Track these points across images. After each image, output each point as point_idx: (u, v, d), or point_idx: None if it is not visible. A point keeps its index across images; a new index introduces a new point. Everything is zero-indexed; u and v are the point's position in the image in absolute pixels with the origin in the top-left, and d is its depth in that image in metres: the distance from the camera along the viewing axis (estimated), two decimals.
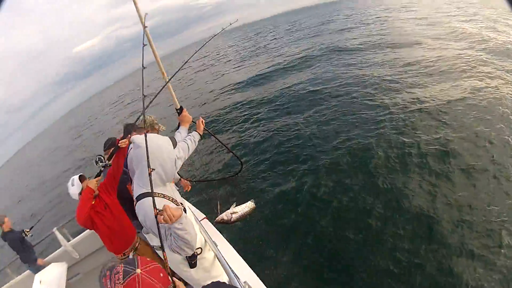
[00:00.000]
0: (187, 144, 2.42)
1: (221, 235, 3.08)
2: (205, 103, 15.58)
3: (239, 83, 16.82)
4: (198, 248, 2.28)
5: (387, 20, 25.67)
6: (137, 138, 1.96)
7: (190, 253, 1.87)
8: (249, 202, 3.17)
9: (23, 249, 4.81)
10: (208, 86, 19.46)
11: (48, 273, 3.25)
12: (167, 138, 2.10)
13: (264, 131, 9.32)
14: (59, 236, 4.57)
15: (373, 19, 28.21)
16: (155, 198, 1.69)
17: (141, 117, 2.62)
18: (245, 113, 11.56)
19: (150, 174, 1.77)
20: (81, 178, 2.90)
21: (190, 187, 3.84)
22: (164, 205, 1.66)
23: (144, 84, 2.52)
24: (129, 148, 2.45)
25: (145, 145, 1.84)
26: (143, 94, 2.39)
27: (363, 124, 7.90)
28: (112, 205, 2.80)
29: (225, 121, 11.47)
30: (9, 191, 26.93)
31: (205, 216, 3.57)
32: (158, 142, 1.97)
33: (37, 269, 4.61)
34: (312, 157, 7.03)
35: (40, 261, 4.72)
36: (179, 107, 2.87)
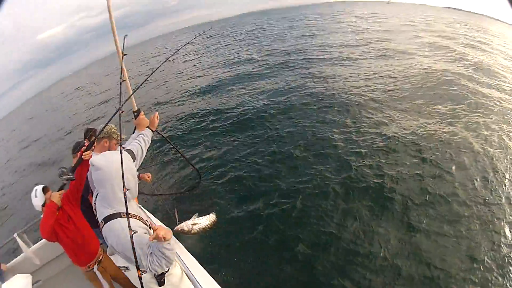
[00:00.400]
0: (140, 146, 2.35)
1: (185, 248, 2.97)
2: (163, 105, 15.15)
3: (198, 87, 16.39)
4: None
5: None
6: (96, 160, 1.88)
7: (166, 269, 1.96)
8: (211, 214, 3.12)
9: None
10: (166, 87, 19.03)
11: (13, 284, 3.19)
12: (125, 154, 1.98)
13: (223, 142, 9.20)
14: (20, 242, 4.40)
15: (341, 25, 29.19)
16: (123, 218, 1.74)
17: (102, 127, 2.82)
18: (204, 121, 11.29)
19: (125, 194, 1.77)
20: (45, 190, 2.87)
21: (150, 177, 3.80)
22: (157, 226, 1.75)
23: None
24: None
25: (105, 167, 1.83)
26: (120, 104, 2.41)
27: (320, 130, 8.68)
28: (75, 217, 2.82)
29: (182, 128, 11.18)
30: None
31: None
32: (119, 162, 1.87)
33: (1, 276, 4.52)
34: (275, 172, 7.16)
35: (3, 266, 4.55)
36: (136, 109, 2.79)
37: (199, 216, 3.05)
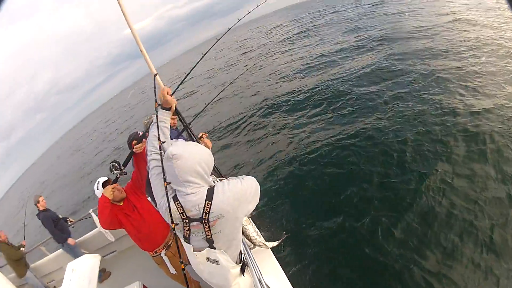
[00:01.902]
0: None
1: (277, 264, 2.73)
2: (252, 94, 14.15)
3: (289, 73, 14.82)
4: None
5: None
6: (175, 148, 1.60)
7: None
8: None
9: (56, 228, 5.05)
10: (254, 75, 17.92)
11: (81, 263, 3.24)
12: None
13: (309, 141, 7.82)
14: (95, 218, 4.78)
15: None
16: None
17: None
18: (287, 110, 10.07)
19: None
20: (106, 183, 2.81)
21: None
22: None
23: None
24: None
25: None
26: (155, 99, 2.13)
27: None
28: (141, 207, 2.79)
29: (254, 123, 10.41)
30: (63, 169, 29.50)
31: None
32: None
33: (70, 248, 4.99)
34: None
35: (71, 241, 4.95)
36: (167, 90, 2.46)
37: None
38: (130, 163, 2.79)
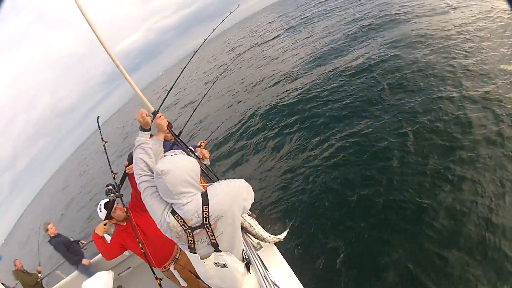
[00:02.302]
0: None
1: (282, 258, 2.69)
2: (257, 95, 13.80)
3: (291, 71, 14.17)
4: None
5: None
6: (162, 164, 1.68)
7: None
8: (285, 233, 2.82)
9: (69, 252, 5.18)
10: (257, 72, 17.48)
11: (95, 281, 3.40)
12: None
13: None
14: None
15: None
16: None
17: None
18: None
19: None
20: (107, 204, 2.82)
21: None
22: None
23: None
24: None
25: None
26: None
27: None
28: (144, 225, 2.76)
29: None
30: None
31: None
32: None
33: (85, 269, 5.05)
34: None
35: (85, 261, 5.06)
36: (152, 110, 2.53)
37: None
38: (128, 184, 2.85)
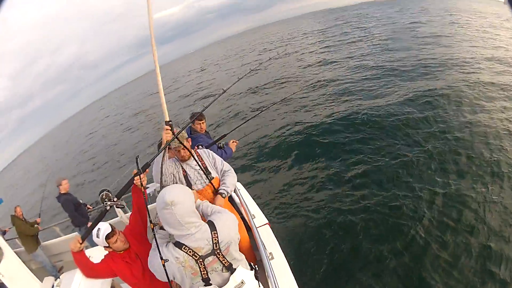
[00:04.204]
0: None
1: (279, 248, 2.79)
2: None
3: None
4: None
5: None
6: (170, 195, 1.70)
7: None
8: None
9: (76, 212, 5.09)
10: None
11: (98, 252, 3.21)
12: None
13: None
14: (117, 208, 4.58)
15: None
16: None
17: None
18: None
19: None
20: (110, 235, 2.32)
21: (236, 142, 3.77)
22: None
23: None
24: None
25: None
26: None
27: None
28: (143, 255, 2.33)
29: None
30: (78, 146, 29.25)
31: (267, 222, 3.22)
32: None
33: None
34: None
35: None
36: (168, 119, 2.37)
37: None
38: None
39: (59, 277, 4.74)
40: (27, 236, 5.27)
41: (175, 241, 1.71)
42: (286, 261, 2.63)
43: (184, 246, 1.66)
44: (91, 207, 5.55)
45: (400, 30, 25.52)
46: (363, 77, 13.96)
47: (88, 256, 2.35)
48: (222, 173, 2.69)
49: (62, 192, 5.13)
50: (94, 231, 2.25)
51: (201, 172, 2.58)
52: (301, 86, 14.89)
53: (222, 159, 2.80)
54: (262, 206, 4.19)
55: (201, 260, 1.68)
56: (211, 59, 56.06)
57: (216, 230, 1.72)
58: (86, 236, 2.24)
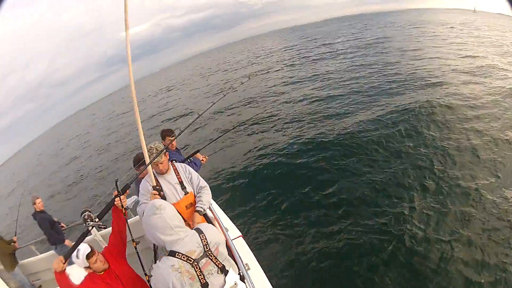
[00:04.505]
0: None
1: (255, 258, 2.87)
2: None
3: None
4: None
5: None
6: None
7: None
8: None
9: (52, 230, 5.16)
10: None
11: (76, 270, 3.00)
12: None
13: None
14: (94, 231, 4.61)
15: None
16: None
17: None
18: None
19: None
20: (89, 255, 2.39)
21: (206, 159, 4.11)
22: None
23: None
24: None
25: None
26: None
27: None
28: (123, 275, 2.49)
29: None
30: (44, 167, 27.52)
31: (241, 234, 3.30)
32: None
33: (62, 251, 5.00)
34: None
35: (68, 242, 5.19)
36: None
37: None
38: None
39: None
40: (5, 254, 5.15)
41: (168, 252, 1.74)
42: (262, 271, 2.72)
43: (177, 253, 1.70)
44: (64, 225, 5.66)
45: (365, 46, 26.02)
46: (329, 96, 13.86)
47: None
48: (198, 189, 2.88)
49: (38, 210, 5.26)
50: (74, 253, 2.30)
51: (178, 186, 2.77)
52: (267, 107, 14.71)
53: (198, 174, 2.95)
54: (234, 219, 4.23)
55: (195, 263, 1.72)
56: (177, 78, 56.38)
57: (203, 233, 1.81)
58: (69, 256, 2.27)
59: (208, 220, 3.23)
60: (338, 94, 13.75)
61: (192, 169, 2.94)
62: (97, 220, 2.44)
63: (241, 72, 30.03)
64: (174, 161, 3.12)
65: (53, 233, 5.20)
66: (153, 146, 2.71)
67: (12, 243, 5.51)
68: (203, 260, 1.73)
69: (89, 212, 2.53)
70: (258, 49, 56.62)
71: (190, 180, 2.85)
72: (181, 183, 2.76)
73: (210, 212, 3.31)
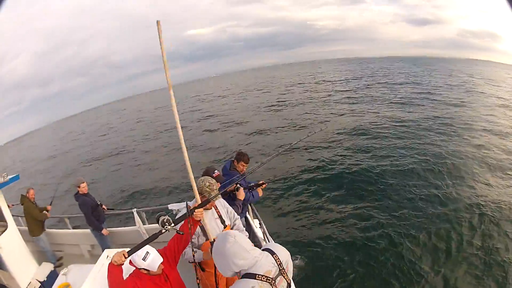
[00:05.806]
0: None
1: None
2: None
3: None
4: None
5: None
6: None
7: None
8: None
9: (92, 214, 5.14)
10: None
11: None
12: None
13: None
14: (136, 217, 4.84)
15: None
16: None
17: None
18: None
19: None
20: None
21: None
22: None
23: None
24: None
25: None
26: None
27: None
28: (173, 279, 2.51)
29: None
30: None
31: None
32: None
33: (99, 236, 5.16)
34: None
35: (105, 231, 5.15)
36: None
37: None
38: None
39: (57, 266, 5.03)
40: (34, 219, 5.35)
41: (244, 274, 1.79)
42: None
43: (257, 275, 1.76)
44: (105, 208, 5.55)
45: (423, 91, 26.37)
46: (383, 133, 14.66)
47: (106, 256, 2.54)
48: (234, 221, 3.13)
49: (81, 193, 5.19)
50: (141, 253, 2.28)
51: (218, 220, 2.95)
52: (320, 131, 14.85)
53: (232, 209, 3.19)
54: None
55: (273, 282, 1.78)
56: (233, 87, 58.86)
57: (275, 253, 1.87)
58: (133, 252, 2.27)
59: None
60: (395, 131, 14.79)
61: (227, 203, 3.16)
62: (173, 225, 2.42)
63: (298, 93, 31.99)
64: (238, 185, 3.60)
65: (93, 220, 5.12)
66: (213, 183, 2.83)
67: (45, 211, 5.58)
68: (278, 278, 1.82)
69: (168, 217, 2.43)
70: (318, 74, 57.46)
71: (227, 214, 3.09)
72: (220, 216, 2.97)
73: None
